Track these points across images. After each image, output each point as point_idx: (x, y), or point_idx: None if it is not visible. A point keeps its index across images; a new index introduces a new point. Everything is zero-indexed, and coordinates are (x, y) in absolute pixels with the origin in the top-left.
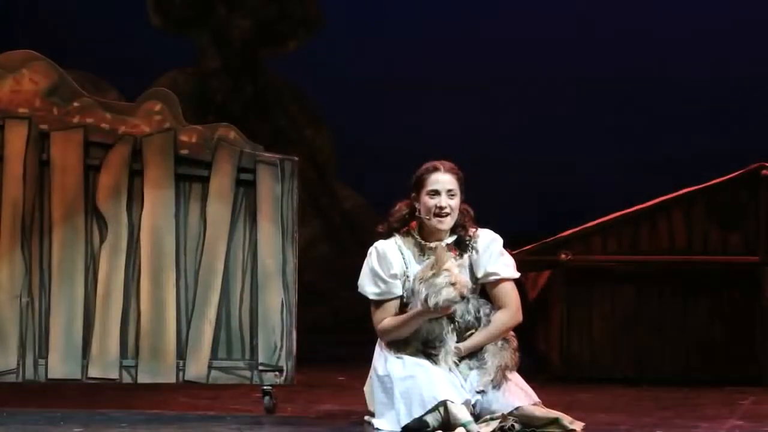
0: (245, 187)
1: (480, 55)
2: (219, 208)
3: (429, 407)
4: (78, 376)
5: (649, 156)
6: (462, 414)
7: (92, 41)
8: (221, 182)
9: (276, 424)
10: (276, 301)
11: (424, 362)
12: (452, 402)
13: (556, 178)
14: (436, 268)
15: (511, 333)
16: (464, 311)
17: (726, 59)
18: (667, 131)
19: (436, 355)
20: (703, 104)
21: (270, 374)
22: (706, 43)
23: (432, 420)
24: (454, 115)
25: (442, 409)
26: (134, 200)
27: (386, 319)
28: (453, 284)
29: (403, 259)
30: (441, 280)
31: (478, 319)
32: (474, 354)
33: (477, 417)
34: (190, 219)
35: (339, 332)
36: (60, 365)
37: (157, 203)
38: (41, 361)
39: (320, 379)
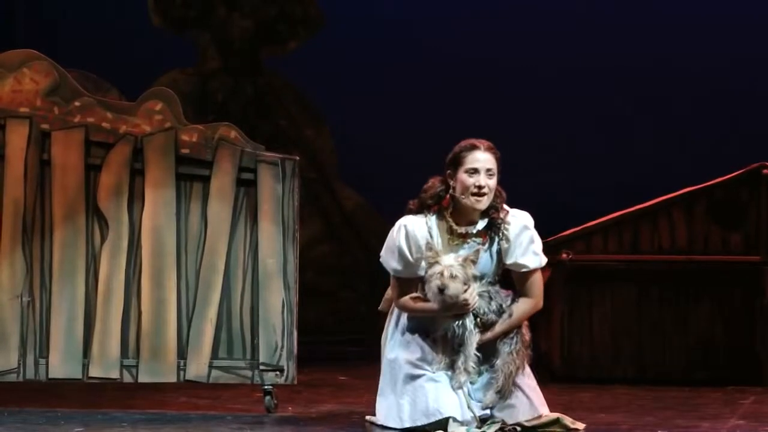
0: (246, 187)
1: (480, 54)
2: (220, 208)
3: (432, 420)
4: (79, 375)
5: (651, 155)
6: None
7: (92, 41)
8: (222, 182)
9: (277, 423)
10: (277, 301)
11: (437, 375)
12: (454, 420)
13: (556, 178)
14: (433, 260)
15: (526, 325)
16: (486, 309)
17: (730, 56)
18: (668, 131)
19: (456, 361)
20: (704, 104)
21: (271, 374)
22: (710, 39)
23: None
24: (455, 114)
25: (444, 423)
26: (135, 200)
27: (406, 297)
28: (438, 274)
29: (432, 240)
30: (429, 272)
31: (500, 314)
32: (485, 356)
33: (480, 421)
34: (191, 218)
35: (340, 332)
36: (61, 365)
37: (158, 203)
38: (42, 361)
39: (321, 378)
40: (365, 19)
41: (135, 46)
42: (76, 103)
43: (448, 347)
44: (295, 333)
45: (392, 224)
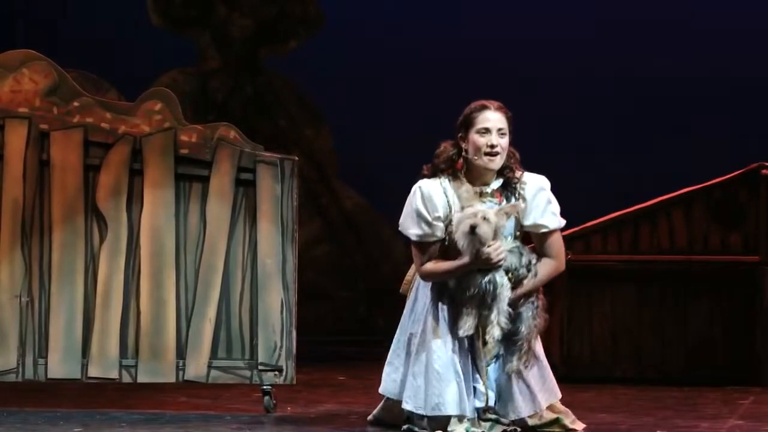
0: (245, 187)
1: (480, 54)
2: (219, 208)
3: (432, 414)
4: (78, 375)
5: (650, 155)
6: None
7: (92, 41)
8: (221, 182)
9: (276, 423)
10: (276, 301)
11: (443, 360)
12: (455, 418)
13: (556, 178)
14: (467, 203)
15: (541, 289)
16: (518, 264)
17: (730, 55)
18: (668, 130)
19: (488, 315)
20: (704, 103)
21: (270, 374)
22: (710, 39)
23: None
24: (455, 115)
25: (444, 423)
26: (134, 200)
27: (429, 263)
28: (466, 218)
29: (448, 202)
30: (457, 217)
31: (529, 270)
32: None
33: (484, 411)
34: (190, 219)
35: (339, 332)
36: (60, 365)
37: (157, 203)
38: (41, 361)
39: (320, 378)
40: (365, 19)
41: (134, 46)
42: (75, 104)
43: (476, 304)
44: (294, 333)
45: (392, 224)
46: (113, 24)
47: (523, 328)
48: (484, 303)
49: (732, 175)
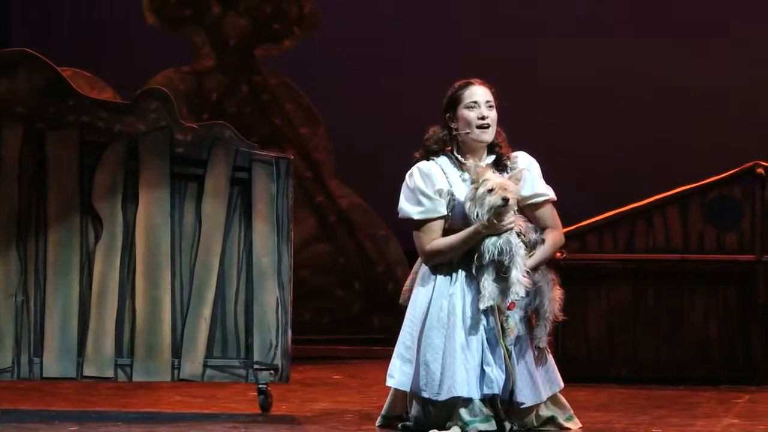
0: (240, 186)
1: (479, 53)
2: (214, 207)
3: (445, 397)
4: (73, 374)
5: (648, 154)
6: (467, 416)
7: (87, 40)
8: (216, 181)
9: (271, 422)
10: (271, 300)
11: (456, 342)
12: (466, 400)
13: (553, 178)
14: (476, 182)
15: (549, 267)
16: (527, 229)
17: (729, 55)
18: (665, 130)
19: (509, 276)
20: (701, 102)
21: (265, 373)
22: (709, 39)
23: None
24: None
25: (452, 404)
26: (129, 199)
27: (436, 240)
28: (491, 190)
29: (447, 178)
30: (481, 190)
31: (536, 236)
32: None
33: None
34: (186, 218)
35: (334, 331)
36: (55, 364)
37: (153, 202)
38: (36, 360)
39: (315, 377)
40: (362, 17)
41: (130, 45)
42: (71, 103)
43: (493, 270)
44: (290, 332)
45: (388, 224)
46: (108, 23)
47: (546, 302)
48: (501, 265)
49: (727, 174)
